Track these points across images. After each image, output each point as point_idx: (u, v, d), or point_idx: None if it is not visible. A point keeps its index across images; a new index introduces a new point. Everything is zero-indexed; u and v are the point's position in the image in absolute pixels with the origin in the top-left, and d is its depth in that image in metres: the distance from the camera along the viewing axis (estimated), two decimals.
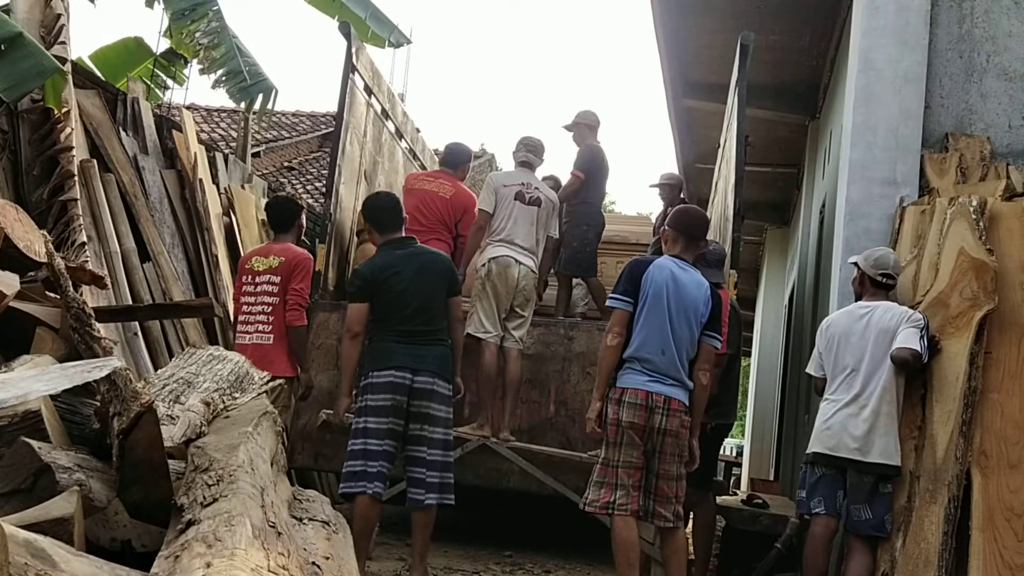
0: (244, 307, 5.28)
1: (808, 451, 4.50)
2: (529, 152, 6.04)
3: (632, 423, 4.01)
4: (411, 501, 4.33)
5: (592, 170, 6.71)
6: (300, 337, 5.25)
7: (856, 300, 4.67)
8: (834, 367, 4.50)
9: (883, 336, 4.36)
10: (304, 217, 5.55)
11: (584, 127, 6.81)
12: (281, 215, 5.51)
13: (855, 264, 4.66)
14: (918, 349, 4.27)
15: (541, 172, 6.35)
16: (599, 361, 4.26)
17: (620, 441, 4.04)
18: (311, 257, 5.41)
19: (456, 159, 6.48)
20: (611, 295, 4.29)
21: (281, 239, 5.42)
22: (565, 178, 6.94)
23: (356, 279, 4.56)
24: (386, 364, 4.34)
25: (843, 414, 4.37)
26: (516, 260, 5.69)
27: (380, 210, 4.65)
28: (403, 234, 4.62)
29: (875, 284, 4.54)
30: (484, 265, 5.67)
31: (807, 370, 4.77)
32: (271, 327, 5.15)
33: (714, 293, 4.25)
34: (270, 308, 5.17)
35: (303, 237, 5.89)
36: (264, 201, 8.19)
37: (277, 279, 5.18)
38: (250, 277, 5.28)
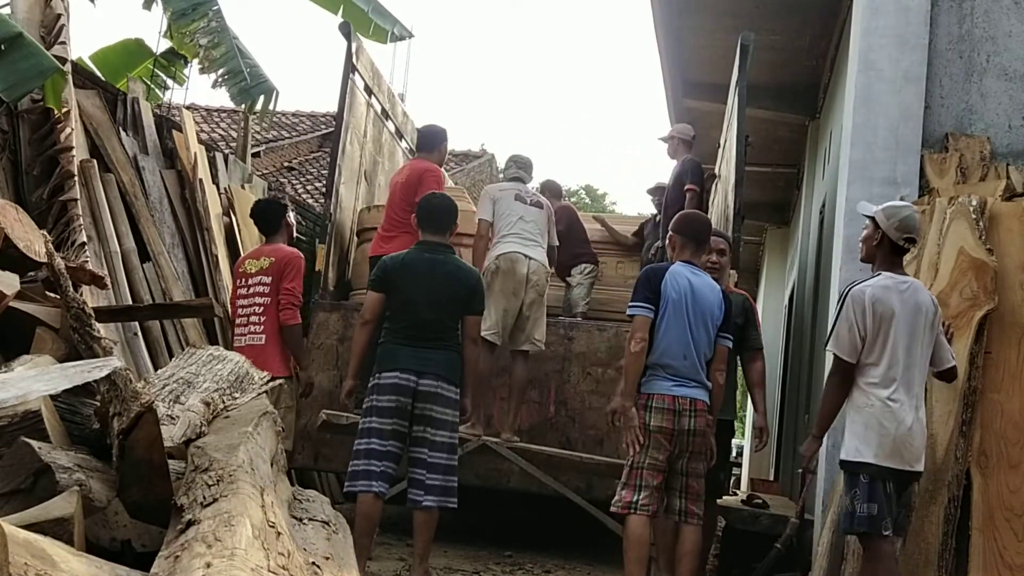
0: (239, 310, 5.34)
1: (878, 463, 3.74)
2: (520, 169, 6.16)
3: (661, 427, 4.10)
4: (411, 502, 4.35)
5: (702, 183, 6.79)
6: (295, 336, 5.27)
7: (864, 261, 4.07)
8: (890, 356, 3.79)
9: (929, 327, 3.86)
10: (292, 216, 5.56)
11: (679, 141, 6.89)
12: (266, 218, 5.56)
13: (871, 219, 3.96)
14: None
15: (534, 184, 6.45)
16: (625, 368, 4.32)
17: (647, 444, 4.11)
18: (302, 256, 5.44)
19: (428, 141, 6.17)
20: (632, 303, 4.32)
21: (272, 241, 5.50)
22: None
23: (378, 268, 4.60)
24: (391, 366, 4.37)
25: (914, 420, 3.78)
26: (525, 255, 5.69)
27: (426, 208, 4.66)
28: (445, 241, 4.59)
29: (896, 250, 3.95)
30: (491, 262, 5.66)
31: (833, 348, 3.91)
32: (263, 327, 5.20)
33: (726, 296, 4.36)
34: (262, 309, 5.22)
35: (300, 235, 5.91)
36: None
37: (268, 279, 5.23)
38: (243, 280, 5.36)
